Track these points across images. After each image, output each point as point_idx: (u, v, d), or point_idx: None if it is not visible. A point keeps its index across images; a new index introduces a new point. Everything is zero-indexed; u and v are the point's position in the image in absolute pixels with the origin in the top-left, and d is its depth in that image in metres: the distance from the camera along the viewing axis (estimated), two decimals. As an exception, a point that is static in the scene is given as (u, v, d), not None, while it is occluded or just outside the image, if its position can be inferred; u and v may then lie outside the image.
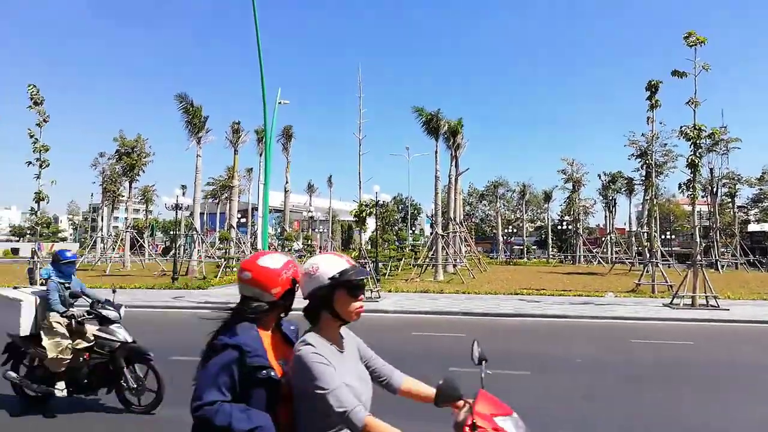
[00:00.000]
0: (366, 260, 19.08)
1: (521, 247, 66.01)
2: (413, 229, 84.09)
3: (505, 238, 68.81)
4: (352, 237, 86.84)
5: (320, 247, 66.32)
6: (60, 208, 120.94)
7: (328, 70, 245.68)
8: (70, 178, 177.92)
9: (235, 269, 31.09)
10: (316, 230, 67.83)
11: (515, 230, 75.99)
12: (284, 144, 46.09)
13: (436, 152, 29.69)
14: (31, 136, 20.54)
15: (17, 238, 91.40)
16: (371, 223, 52.46)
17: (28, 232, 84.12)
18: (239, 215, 45.30)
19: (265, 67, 17.23)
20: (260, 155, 42.32)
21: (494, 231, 71.94)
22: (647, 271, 22.44)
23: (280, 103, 21.36)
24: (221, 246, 43.62)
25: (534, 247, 75.85)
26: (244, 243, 40.97)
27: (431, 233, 32.65)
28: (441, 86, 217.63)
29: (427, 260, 29.63)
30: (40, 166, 20.61)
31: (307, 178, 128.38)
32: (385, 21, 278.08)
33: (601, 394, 7.40)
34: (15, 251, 67.97)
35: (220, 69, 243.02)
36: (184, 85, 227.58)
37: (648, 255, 25.13)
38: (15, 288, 6.67)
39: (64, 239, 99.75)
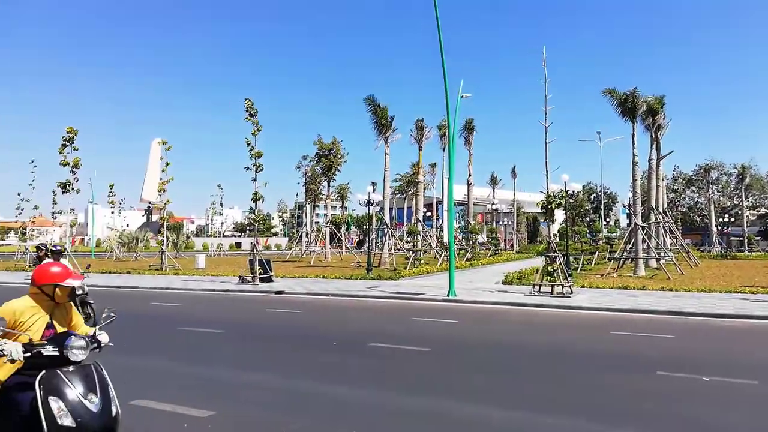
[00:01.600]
0: (555, 254, 18.25)
1: (740, 239, 57.31)
2: (607, 220, 78.19)
3: (719, 228, 60.42)
4: (538, 229, 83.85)
5: (505, 240, 65.27)
6: (272, 207, 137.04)
7: (509, 57, 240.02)
8: (279, 180, 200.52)
9: (422, 261, 32.12)
10: (500, 223, 66.88)
11: (732, 219, 66.23)
12: (466, 137, 46.19)
13: (633, 135, 27.17)
14: (248, 144, 23.52)
15: (239, 234, 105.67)
16: (559, 214, 50.04)
17: (248, 228, 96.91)
18: (425, 209, 46.63)
19: (446, 60, 17.38)
20: (443, 150, 42.98)
21: (706, 221, 63.62)
22: None
23: (462, 96, 21.39)
24: (409, 239, 45.39)
25: (757, 238, 65.36)
26: (430, 236, 42.08)
27: (628, 224, 30.00)
28: (637, 60, 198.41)
29: (625, 254, 27.31)
30: (256, 170, 23.51)
31: (489, 170, 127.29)
32: None
33: None
34: (238, 245, 78.93)
35: (403, 66, 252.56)
36: (370, 86, 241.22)
37: None
38: None
39: (275, 234, 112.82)
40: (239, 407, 6.00)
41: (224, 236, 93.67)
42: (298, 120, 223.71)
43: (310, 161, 48.48)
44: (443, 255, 34.16)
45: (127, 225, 60.03)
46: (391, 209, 42.24)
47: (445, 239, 20.15)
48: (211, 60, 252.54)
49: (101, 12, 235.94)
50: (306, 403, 6.18)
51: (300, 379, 7.30)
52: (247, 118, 23.59)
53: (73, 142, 28.30)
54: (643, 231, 25.96)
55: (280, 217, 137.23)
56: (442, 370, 7.98)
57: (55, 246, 13.98)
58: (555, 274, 17.73)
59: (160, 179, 31.69)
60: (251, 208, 25.58)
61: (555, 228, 51.86)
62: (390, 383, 7.10)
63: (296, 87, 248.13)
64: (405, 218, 65.57)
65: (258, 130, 23.62)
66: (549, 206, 19.95)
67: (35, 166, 40.56)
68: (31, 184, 40.35)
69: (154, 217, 70.86)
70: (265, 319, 13.62)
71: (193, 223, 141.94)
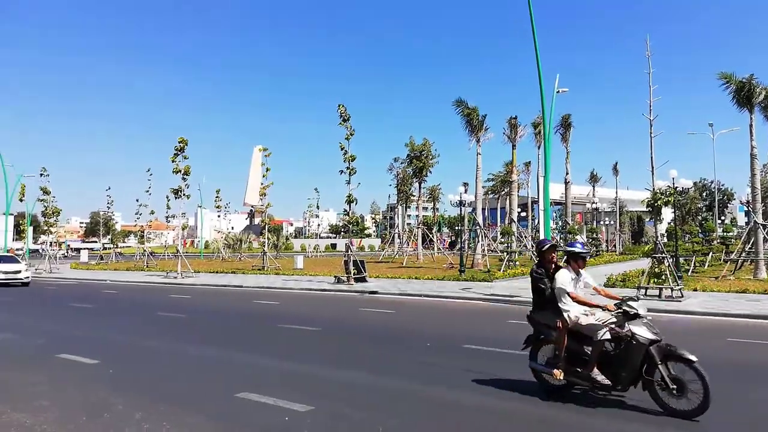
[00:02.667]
0: (663, 254, 17.07)
1: None
2: (722, 218, 72.02)
3: None
4: (643, 229, 78.83)
5: (606, 241, 62.03)
6: (365, 209, 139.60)
7: (608, 48, 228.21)
8: (372, 182, 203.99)
9: (517, 263, 31.32)
10: (601, 222, 63.58)
11: None
12: (562, 134, 44.43)
13: (750, 126, 24.82)
14: (342, 148, 24.16)
15: (334, 235, 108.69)
16: (667, 212, 46.74)
17: (342, 230, 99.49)
18: (519, 209, 45.45)
19: (540, 55, 16.86)
20: (538, 148, 41.61)
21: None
22: None
23: (558, 92, 20.65)
24: (503, 240, 44.45)
25: None
26: (525, 237, 40.94)
27: (747, 223, 27.45)
28: (750, 42, 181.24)
29: (743, 255, 25.00)
30: (350, 173, 24.09)
31: (589, 167, 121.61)
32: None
33: None
34: (333, 246, 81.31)
35: (494, 63, 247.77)
36: (461, 83, 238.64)
37: None
38: None
39: (368, 236, 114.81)
40: (336, 403, 6.17)
41: (320, 238, 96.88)
42: (390, 122, 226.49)
43: (402, 163, 48.87)
44: (539, 256, 33.06)
45: (232, 228, 63.68)
46: (483, 210, 41.60)
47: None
48: (307, 69, 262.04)
49: (203, 25, 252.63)
50: (401, 402, 6.23)
51: (395, 378, 7.39)
52: (341, 123, 24.24)
53: (183, 151, 30.46)
54: (765, 230, 23.66)
55: (372, 218, 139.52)
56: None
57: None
58: (663, 277, 16.60)
59: (261, 184, 33.38)
60: (345, 210, 26.22)
61: (662, 227, 48.52)
62: (486, 386, 6.99)
63: (387, 90, 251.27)
64: (498, 219, 64.23)
65: (351, 135, 24.20)
66: (655, 204, 18.69)
67: (151, 174, 44.23)
68: (147, 191, 44.06)
69: (256, 220, 74.69)
70: (360, 318, 13.91)
71: (291, 225, 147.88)
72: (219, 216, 60.06)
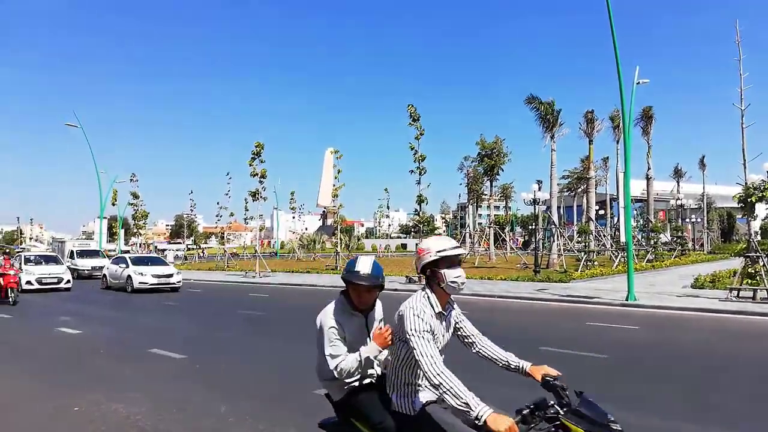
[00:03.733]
0: (758, 254, 15.85)
1: None
2: (827, 214, 65.93)
3: None
4: (734, 226, 73.61)
5: (693, 239, 58.45)
6: (434, 208, 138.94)
7: (691, 35, 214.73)
8: (441, 181, 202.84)
9: (596, 263, 30.17)
10: (687, 220, 59.93)
11: None
12: (643, 127, 42.34)
13: None
14: (412, 149, 24.20)
15: (405, 235, 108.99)
16: (761, 208, 43.43)
17: (412, 229, 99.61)
18: (597, 207, 43.75)
19: (619, 45, 16.15)
20: (617, 142, 39.91)
21: None
22: None
23: (638, 83, 19.65)
24: (580, 239, 42.93)
25: None
26: (604, 236, 39.34)
27: None
28: None
29: None
30: (419, 173, 24.09)
31: (673, 161, 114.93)
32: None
33: None
34: (404, 246, 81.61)
35: (569, 56, 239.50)
36: (537, 78, 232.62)
37: None
38: None
39: (439, 235, 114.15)
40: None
41: (391, 238, 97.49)
42: (459, 121, 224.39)
43: (473, 162, 48.27)
44: (620, 256, 31.72)
45: (306, 228, 65.44)
46: (559, 208, 40.33)
47: (622, 239, 18.65)
48: (377, 69, 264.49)
49: (284, 29, 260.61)
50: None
51: (468, 378, 7.31)
52: (410, 123, 24.30)
53: (260, 155, 31.61)
54: None
55: (443, 218, 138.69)
56: (622, 379, 7.41)
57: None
58: (757, 277, 15.44)
59: (333, 186, 34.00)
60: (416, 210, 26.25)
61: (756, 224, 45.12)
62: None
63: (456, 87, 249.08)
64: (575, 217, 62.09)
65: (421, 134, 24.19)
66: (748, 200, 17.37)
67: (230, 178, 46.21)
68: (227, 194, 46.04)
69: (329, 221, 76.29)
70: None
71: (362, 225, 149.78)
72: (293, 217, 61.95)
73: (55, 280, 23.54)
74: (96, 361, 8.94)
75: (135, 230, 50.94)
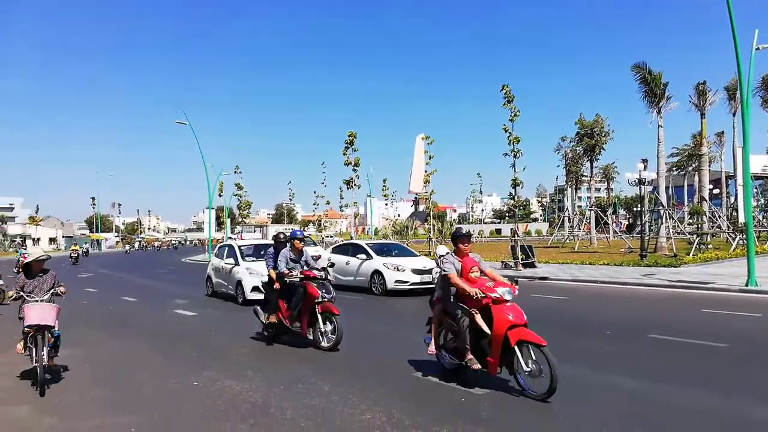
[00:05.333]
0: None
1: None
2: None
3: None
4: None
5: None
6: (530, 192, 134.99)
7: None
8: (537, 164, 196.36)
9: (710, 246, 27.96)
10: (820, 198, 53.63)
11: None
12: (763, 97, 38.31)
13: None
14: (506, 131, 23.58)
15: (498, 220, 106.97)
16: None
17: (507, 214, 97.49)
18: (711, 186, 40.34)
19: (734, 6, 14.68)
20: (733, 115, 36.52)
21: None
22: None
23: (757, 48, 17.77)
24: (691, 221, 39.90)
25: None
26: (719, 217, 36.35)
27: None
28: None
29: None
30: (514, 156, 23.45)
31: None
32: None
33: None
34: (498, 231, 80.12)
35: (674, 27, 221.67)
36: (637, 50, 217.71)
37: None
38: None
39: (535, 220, 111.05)
40: (513, 389, 6.11)
41: (484, 223, 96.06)
42: (555, 99, 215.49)
43: (570, 142, 46.21)
44: (737, 238, 29.16)
45: (398, 215, 66.00)
46: (667, 188, 37.66)
47: (741, 219, 17.11)
48: (466, 50, 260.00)
49: (369, 17, 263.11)
50: (581, 390, 5.97)
51: (573, 366, 7.09)
52: (504, 104, 23.67)
53: (353, 144, 32.25)
54: None
55: (539, 202, 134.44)
56: (746, 370, 6.85)
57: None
58: None
59: (425, 172, 33.97)
60: (510, 194, 25.64)
61: None
62: (678, 378, 6.40)
63: (555, 63, 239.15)
64: (685, 197, 57.75)
65: (515, 116, 23.52)
66: None
67: (325, 167, 47.66)
68: (323, 183, 47.57)
69: (421, 207, 76.40)
70: (531, 304, 13.53)
71: (455, 211, 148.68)
72: (386, 204, 62.63)
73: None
74: (210, 340, 9.64)
75: (240, 219, 53.92)
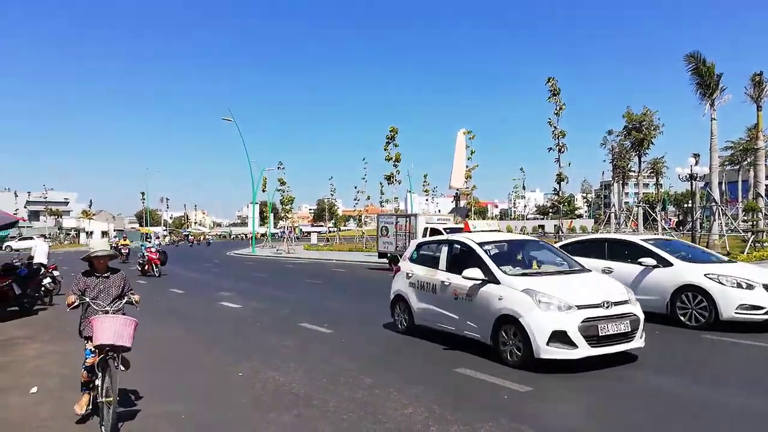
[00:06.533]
0: None
1: None
2: None
3: None
4: None
5: None
6: (575, 187, 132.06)
7: None
8: (582, 158, 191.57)
9: (765, 244, 26.66)
10: None
11: None
12: (830, 86, 36.25)
13: None
14: (550, 125, 23.14)
15: (542, 216, 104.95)
16: None
17: (550, 210, 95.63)
18: (767, 181, 38.49)
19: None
20: (795, 106, 34.63)
21: None
22: None
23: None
24: (746, 218, 38.21)
25: None
26: (777, 214, 34.65)
27: None
28: None
29: None
30: (559, 150, 22.98)
31: None
32: None
33: None
34: (541, 227, 78.64)
35: (730, 14, 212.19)
36: (689, 42, 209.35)
37: None
38: None
39: (579, 216, 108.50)
40: (557, 386, 6.01)
41: (527, 219, 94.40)
42: (602, 92, 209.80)
43: (617, 136, 44.93)
44: (797, 236, 27.70)
45: (439, 210, 65.68)
46: (720, 183, 36.19)
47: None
48: (512, 42, 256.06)
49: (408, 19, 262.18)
50: (630, 393, 5.81)
51: (627, 368, 6.90)
52: (549, 98, 23.22)
53: (394, 140, 32.26)
54: None
55: (584, 197, 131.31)
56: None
57: None
58: None
59: (466, 167, 33.67)
60: (555, 190, 25.14)
61: None
62: (731, 379, 6.14)
63: (600, 56, 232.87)
64: (739, 193, 55.33)
65: (561, 110, 23.03)
66: None
67: (366, 163, 47.83)
68: (363, 178, 47.83)
69: (462, 203, 75.74)
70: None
71: (496, 207, 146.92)
72: (427, 200, 62.42)
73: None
74: (254, 333, 9.83)
75: (282, 214, 54.82)
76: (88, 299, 5.10)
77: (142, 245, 22.62)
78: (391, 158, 32.45)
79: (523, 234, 66.51)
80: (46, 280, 13.85)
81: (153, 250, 23.09)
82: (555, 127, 22.89)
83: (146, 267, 22.34)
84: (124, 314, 5.14)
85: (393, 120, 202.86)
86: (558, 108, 22.90)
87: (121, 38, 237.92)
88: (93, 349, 4.99)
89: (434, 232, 20.16)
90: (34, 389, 6.30)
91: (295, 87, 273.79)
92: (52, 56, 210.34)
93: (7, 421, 5.32)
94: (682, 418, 4.99)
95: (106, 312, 5.03)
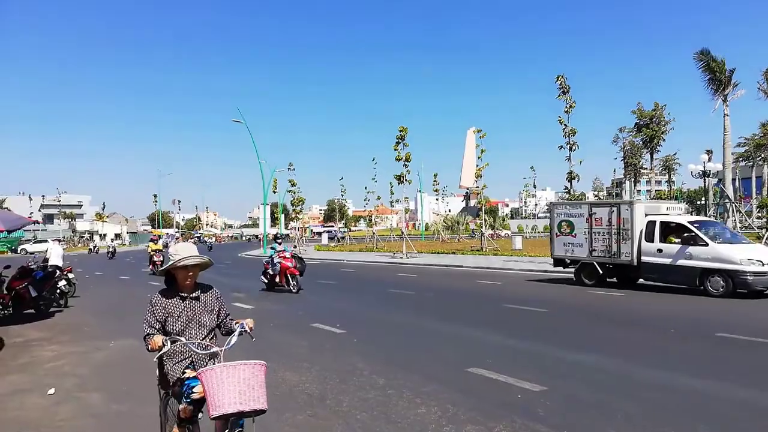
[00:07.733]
0: None
1: None
2: None
3: None
4: None
5: None
6: (586, 186, 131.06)
7: None
8: (594, 156, 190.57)
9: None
10: None
11: None
12: None
13: None
14: (561, 123, 23.02)
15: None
16: None
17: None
18: (783, 177, 38.05)
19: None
20: (809, 101, 34.23)
21: None
22: None
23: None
24: (760, 214, 37.81)
25: None
26: (791, 210, 34.26)
27: None
28: None
29: None
30: (570, 148, 22.85)
31: None
32: None
33: None
34: (552, 226, 78.35)
35: (741, 10, 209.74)
36: (700, 38, 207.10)
37: None
38: None
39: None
40: (570, 386, 5.98)
41: (538, 218, 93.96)
42: (613, 89, 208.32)
43: (628, 133, 44.65)
44: (813, 233, 27.37)
45: (449, 210, 65.58)
46: (734, 180, 35.83)
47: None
48: (515, 42, 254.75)
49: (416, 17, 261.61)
50: (642, 389, 5.77)
51: (632, 363, 6.88)
52: (559, 96, 23.12)
53: (404, 140, 32.24)
54: None
55: (595, 195, 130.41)
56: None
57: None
58: None
59: (477, 166, 33.61)
60: (566, 188, 24.99)
61: None
62: (748, 377, 6.09)
63: (610, 51, 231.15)
64: (753, 190, 54.76)
65: (571, 107, 22.93)
66: None
67: (376, 163, 47.87)
68: (373, 179, 47.87)
69: (472, 202, 75.60)
70: (588, 301, 13.22)
71: (507, 206, 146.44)
72: (437, 199, 62.39)
73: None
74: (267, 333, 9.88)
75: (293, 215, 55.02)
76: (184, 339, 3.56)
77: (272, 248, 17.22)
78: (402, 158, 32.42)
79: (535, 233, 66.10)
80: (62, 283, 13.99)
81: (287, 255, 16.67)
82: (565, 125, 22.78)
83: (278, 278, 16.63)
84: (240, 359, 3.35)
85: (403, 120, 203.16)
86: (568, 106, 22.78)
87: (130, 41, 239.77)
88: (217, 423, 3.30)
89: (669, 229, 13.99)
90: (51, 390, 6.37)
91: (305, 88, 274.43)
92: (66, 62, 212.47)
93: (26, 422, 5.39)
94: (704, 418, 4.95)
95: (214, 355, 3.57)
